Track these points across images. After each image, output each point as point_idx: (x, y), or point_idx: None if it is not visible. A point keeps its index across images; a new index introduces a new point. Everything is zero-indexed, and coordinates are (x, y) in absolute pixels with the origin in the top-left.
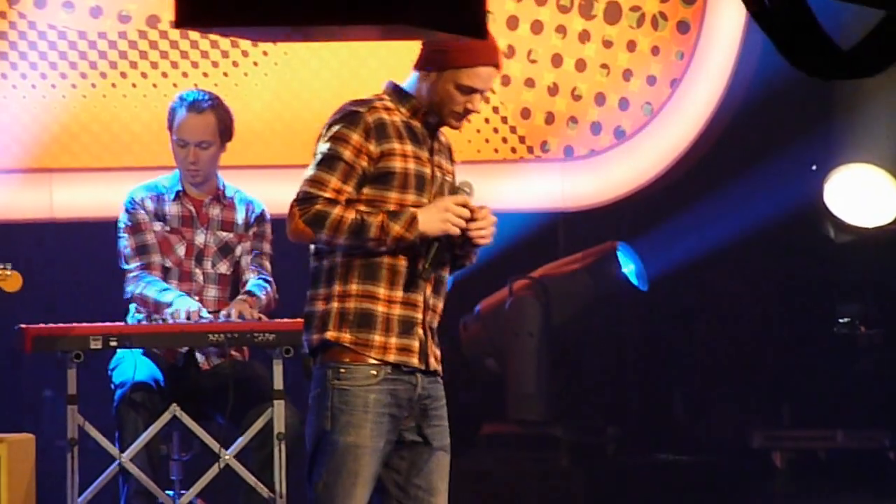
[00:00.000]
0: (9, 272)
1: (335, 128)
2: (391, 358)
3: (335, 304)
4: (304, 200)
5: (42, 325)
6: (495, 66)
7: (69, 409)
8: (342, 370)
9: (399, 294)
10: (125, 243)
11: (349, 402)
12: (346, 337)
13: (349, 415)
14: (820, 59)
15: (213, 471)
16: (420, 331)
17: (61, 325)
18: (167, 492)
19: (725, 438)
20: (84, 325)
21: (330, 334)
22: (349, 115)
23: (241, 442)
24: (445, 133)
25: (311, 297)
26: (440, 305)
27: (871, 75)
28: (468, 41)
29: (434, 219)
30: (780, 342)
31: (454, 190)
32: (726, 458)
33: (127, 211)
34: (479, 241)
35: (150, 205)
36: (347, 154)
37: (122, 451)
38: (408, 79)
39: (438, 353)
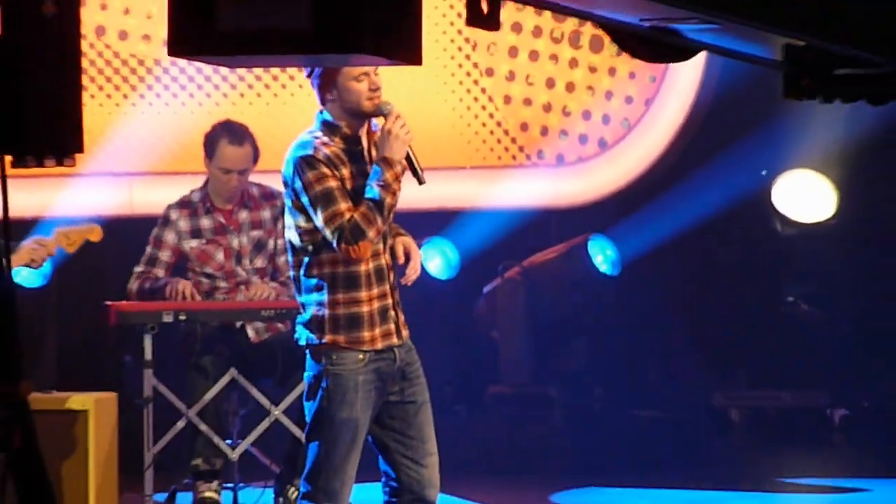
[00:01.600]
0: (94, 226)
1: (308, 175)
2: (378, 346)
3: (327, 311)
4: (340, 237)
5: (123, 302)
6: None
7: (145, 372)
8: (335, 357)
9: (375, 291)
10: (147, 249)
11: (342, 384)
12: (341, 339)
13: (342, 394)
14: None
15: (265, 424)
16: (392, 313)
17: (139, 302)
18: (227, 441)
19: (691, 398)
20: (158, 302)
21: (327, 338)
22: (307, 160)
23: (288, 399)
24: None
25: (305, 303)
26: (395, 284)
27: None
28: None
29: (395, 146)
30: (736, 317)
31: (383, 112)
32: (692, 414)
33: (159, 225)
34: (404, 282)
35: (183, 224)
36: (333, 183)
37: (189, 407)
38: (326, 113)
39: (403, 318)
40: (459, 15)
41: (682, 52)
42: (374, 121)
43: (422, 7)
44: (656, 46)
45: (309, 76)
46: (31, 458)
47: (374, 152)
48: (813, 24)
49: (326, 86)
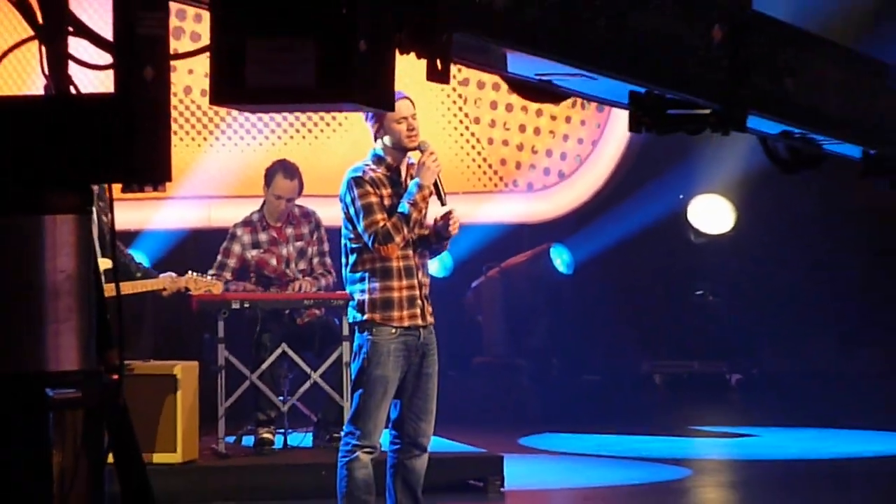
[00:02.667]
0: (218, 283)
1: (356, 192)
2: (405, 324)
3: (367, 296)
4: (374, 239)
5: (203, 293)
6: (403, 99)
7: (219, 346)
8: (373, 330)
9: (404, 283)
10: (217, 258)
11: (378, 350)
12: (377, 316)
13: (378, 357)
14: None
15: (307, 385)
16: (419, 301)
17: (213, 293)
18: (279, 397)
19: (625, 366)
20: (228, 293)
21: (367, 316)
22: (357, 181)
23: (323, 367)
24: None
25: (352, 291)
26: (427, 281)
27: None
28: None
29: (426, 174)
30: (659, 306)
31: (421, 148)
32: (626, 378)
33: (227, 239)
34: (452, 232)
35: (246, 238)
36: (373, 199)
37: (252, 373)
38: (377, 148)
39: (430, 309)
40: (454, 77)
41: (559, 96)
42: (411, 156)
43: (394, 65)
44: (541, 92)
45: (367, 120)
46: (124, 415)
47: (408, 181)
48: (651, 77)
49: (377, 127)
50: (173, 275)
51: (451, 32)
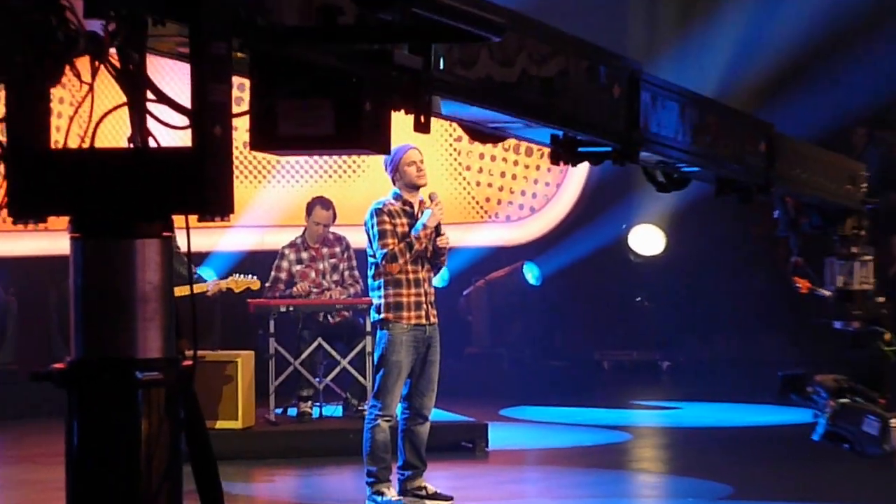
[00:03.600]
0: (255, 280)
1: (375, 220)
2: (412, 322)
3: (383, 301)
4: (383, 258)
5: (258, 299)
6: (412, 149)
7: (270, 339)
8: (389, 326)
9: (412, 291)
10: (272, 273)
11: (393, 341)
12: (391, 316)
13: (393, 347)
14: None
15: (337, 370)
16: (424, 305)
17: (266, 299)
18: (316, 379)
19: (581, 354)
20: (278, 299)
21: (384, 315)
22: (377, 212)
23: (350, 356)
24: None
25: (373, 297)
26: (433, 290)
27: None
28: (392, 150)
29: (432, 219)
30: (608, 309)
31: (431, 198)
32: (580, 364)
33: (277, 258)
34: (443, 246)
35: (292, 256)
36: (388, 227)
37: (295, 360)
38: (396, 189)
39: (435, 311)
40: (450, 135)
41: (501, 138)
42: (422, 195)
43: (391, 118)
44: (488, 136)
45: (386, 169)
46: (193, 393)
47: (420, 214)
48: (567, 123)
49: (394, 171)
50: (216, 279)
51: (431, 95)
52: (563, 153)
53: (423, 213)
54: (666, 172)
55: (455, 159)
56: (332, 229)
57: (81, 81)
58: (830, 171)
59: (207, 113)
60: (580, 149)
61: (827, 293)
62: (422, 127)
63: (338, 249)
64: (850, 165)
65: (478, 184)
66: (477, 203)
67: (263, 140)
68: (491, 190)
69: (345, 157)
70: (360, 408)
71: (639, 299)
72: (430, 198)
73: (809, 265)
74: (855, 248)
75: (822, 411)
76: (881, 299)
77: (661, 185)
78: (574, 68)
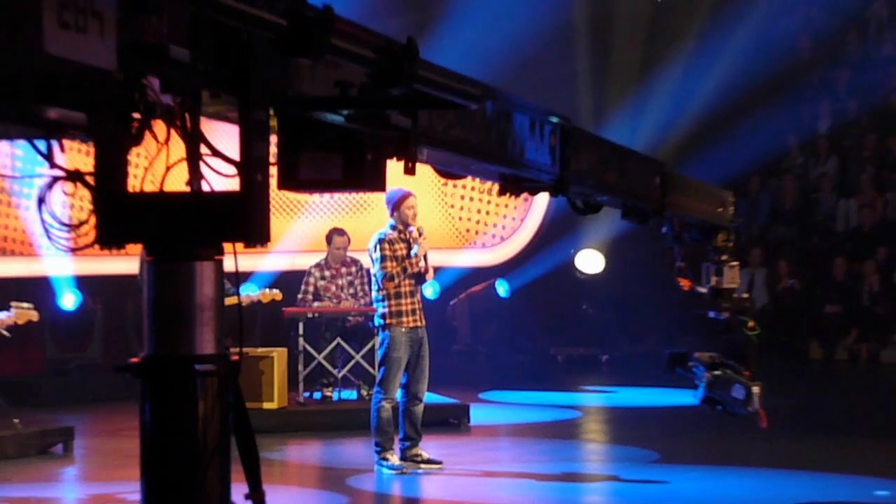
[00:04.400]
0: (278, 292)
1: (377, 246)
2: (409, 326)
3: (386, 309)
4: (383, 276)
5: (290, 308)
6: (412, 196)
7: (299, 339)
8: (391, 330)
9: (408, 300)
10: (301, 287)
11: (394, 341)
12: (392, 321)
13: (394, 346)
14: None
15: (352, 363)
16: (418, 312)
17: (297, 308)
18: (335, 369)
19: (540, 350)
20: (306, 308)
21: (387, 321)
22: (380, 240)
23: (363, 352)
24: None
25: (377, 306)
26: (420, 299)
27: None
28: (396, 193)
29: (420, 251)
30: (561, 316)
31: (420, 232)
32: (540, 358)
33: (306, 275)
34: (424, 269)
35: (317, 274)
36: (388, 252)
37: (318, 353)
38: (392, 221)
39: (423, 316)
40: (439, 180)
41: (461, 176)
42: (412, 227)
43: (386, 165)
44: (451, 175)
45: (388, 207)
46: (238, 384)
47: (411, 241)
48: (514, 165)
49: (394, 209)
50: (250, 293)
51: (417, 146)
52: (510, 187)
53: (415, 242)
54: (585, 200)
55: (442, 199)
56: (348, 253)
57: (157, 141)
58: (706, 198)
59: (252, 164)
60: (524, 184)
61: (703, 290)
62: (409, 171)
63: (353, 269)
64: (720, 193)
65: (460, 218)
66: (459, 233)
67: (289, 182)
68: (470, 223)
69: (353, 196)
70: (368, 394)
71: (584, 307)
72: (419, 232)
73: (690, 269)
74: (724, 257)
75: (701, 381)
76: (745, 295)
77: (580, 209)
78: (521, 124)
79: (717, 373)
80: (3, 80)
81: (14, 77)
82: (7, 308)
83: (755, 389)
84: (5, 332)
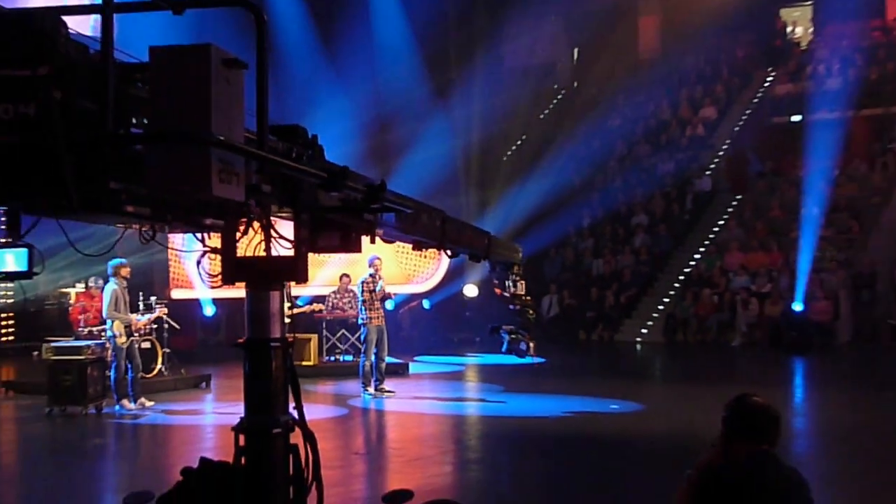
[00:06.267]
0: (317, 305)
1: (361, 287)
2: (375, 324)
3: (365, 315)
4: (362, 303)
5: (320, 314)
6: (379, 259)
7: (323, 329)
8: (368, 325)
9: (376, 311)
10: (325, 304)
11: (369, 330)
12: (368, 321)
13: (369, 332)
14: None
15: (350, 342)
16: (381, 317)
17: (324, 314)
18: (343, 345)
19: (446, 336)
20: (327, 313)
21: (364, 321)
22: (363, 283)
23: (353, 337)
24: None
25: (361, 312)
26: (383, 310)
27: None
28: (372, 256)
29: (383, 286)
30: (456, 318)
31: (381, 280)
32: (445, 340)
33: (327, 297)
34: (387, 293)
35: (334, 297)
36: (366, 288)
37: (333, 337)
38: (370, 269)
39: (384, 317)
40: (399, 245)
41: (391, 241)
42: (379, 274)
43: (361, 238)
44: (388, 241)
45: (368, 263)
46: (291, 353)
47: (378, 280)
48: (418, 235)
49: (370, 264)
50: (304, 307)
51: (377, 230)
52: (418, 247)
53: (381, 279)
54: (451, 251)
55: (397, 252)
56: (350, 286)
57: (254, 230)
58: (509, 249)
59: (299, 241)
60: (425, 245)
61: (507, 294)
62: (372, 241)
63: (351, 295)
64: (516, 247)
65: (407, 265)
66: (405, 274)
67: (314, 248)
68: (410, 268)
69: (349, 256)
70: (356, 358)
71: (467, 313)
72: (380, 276)
73: (503, 284)
74: (516, 277)
75: (505, 340)
76: (528, 298)
77: (449, 256)
78: (429, 217)
79: (513, 336)
80: (187, 206)
81: (193, 204)
82: (151, 310)
83: (532, 344)
84: (175, 324)
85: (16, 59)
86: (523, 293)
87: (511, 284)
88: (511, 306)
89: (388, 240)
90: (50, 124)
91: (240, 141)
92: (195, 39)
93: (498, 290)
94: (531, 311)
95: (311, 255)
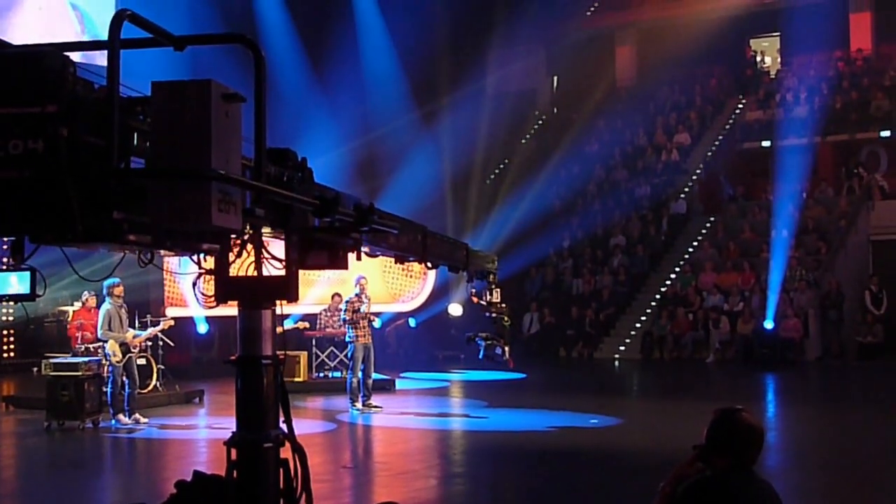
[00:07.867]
0: (307, 323)
1: (346, 306)
2: (363, 342)
3: (353, 332)
4: (344, 320)
5: (310, 331)
6: (365, 279)
7: (313, 346)
8: (355, 343)
9: (362, 330)
10: (318, 321)
11: (356, 348)
12: (355, 339)
13: (356, 350)
14: None
15: (339, 359)
16: (368, 335)
17: (314, 332)
18: (332, 362)
19: (430, 353)
20: (318, 331)
21: (351, 339)
22: (349, 302)
23: (343, 354)
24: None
25: (349, 330)
26: (370, 328)
27: None
28: (358, 276)
29: (368, 304)
30: (442, 335)
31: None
32: (431, 358)
33: (318, 315)
34: (369, 314)
35: (324, 315)
36: (350, 307)
37: (322, 353)
38: (357, 288)
39: (371, 335)
40: (384, 262)
41: (375, 255)
42: (364, 293)
43: (348, 256)
44: (375, 256)
45: (354, 283)
46: (281, 370)
47: (364, 299)
48: (401, 252)
49: (356, 283)
50: (297, 324)
51: (363, 246)
52: (401, 260)
53: (367, 300)
54: (433, 264)
55: (384, 272)
56: (340, 305)
57: (248, 252)
58: (484, 260)
59: (289, 261)
60: (408, 259)
61: (484, 302)
62: (358, 258)
63: (339, 313)
64: (491, 257)
65: (394, 284)
66: (391, 293)
67: (304, 266)
68: (397, 288)
69: (338, 273)
70: (345, 375)
71: (452, 331)
72: (367, 296)
73: (480, 294)
74: (492, 285)
75: (482, 347)
76: (503, 305)
77: (429, 267)
78: (411, 235)
79: (489, 342)
80: (186, 234)
81: (192, 233)
82: (155, 324)
83: (507, 349)
84: (170, 342)
85: (26, 96)
86: (499, 301)
87: (487, 293)
88: (487, 314)
89: (369, 254)
90: (57, 159)
91: (237, 170)
92: (189, 61)
93: (475, 299)
94: (506, 318)
95: (300, 274)
